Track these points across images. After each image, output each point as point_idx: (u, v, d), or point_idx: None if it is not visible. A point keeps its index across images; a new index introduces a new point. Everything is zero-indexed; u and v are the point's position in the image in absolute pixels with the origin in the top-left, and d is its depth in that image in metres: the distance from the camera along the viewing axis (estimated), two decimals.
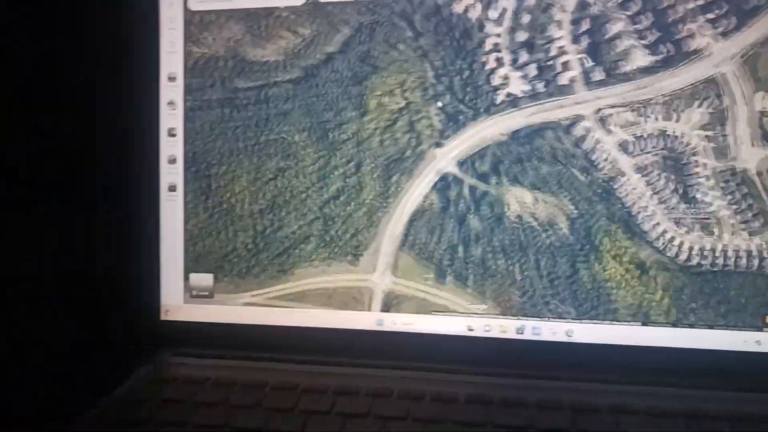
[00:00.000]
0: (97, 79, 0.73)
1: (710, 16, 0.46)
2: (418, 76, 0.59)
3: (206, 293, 0.74)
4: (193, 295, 0.74)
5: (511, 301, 0.66)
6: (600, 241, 0.63)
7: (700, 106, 0.50)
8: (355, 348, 0.71)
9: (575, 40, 0.51)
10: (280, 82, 0.69)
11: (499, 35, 0.53)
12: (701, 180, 0.55)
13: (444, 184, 0.59)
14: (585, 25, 0.52)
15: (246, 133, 0.71)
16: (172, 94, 0.73)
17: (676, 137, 0.52)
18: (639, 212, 0.60)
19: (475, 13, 0.55)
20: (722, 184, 0.53)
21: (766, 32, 0.48)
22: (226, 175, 0.73)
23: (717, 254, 0.60)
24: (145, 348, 0.74)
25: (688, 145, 0.51)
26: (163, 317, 0.75)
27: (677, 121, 0.52)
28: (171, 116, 0.73)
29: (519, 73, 0.52)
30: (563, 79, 0.55)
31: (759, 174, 0.56)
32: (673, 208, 0.59)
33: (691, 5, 0.48)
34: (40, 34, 0.71)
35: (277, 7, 0.69)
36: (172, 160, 0.74)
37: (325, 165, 0.68)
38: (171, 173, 0.74)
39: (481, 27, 0.56)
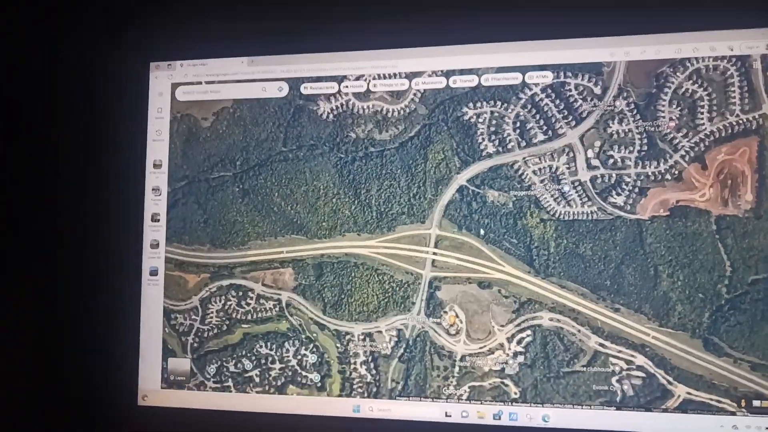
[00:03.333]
0: (84, 162, 0.74)
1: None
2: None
3: (183, 378, 0.69)
4: (170, 380, 0.69)
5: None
6: None
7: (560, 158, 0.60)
8: None
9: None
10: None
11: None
12: None
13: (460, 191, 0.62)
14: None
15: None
16: (156, 180, 0.71)
17: None
18: None
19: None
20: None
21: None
22: None
23: None
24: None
25: None
26: (140, 403, 0.71)
27: None
28: (155, 202, 0.70)
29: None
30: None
31: None
32: None
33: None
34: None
35: (262, 99, 0.69)
36: (155, 245, 0.70)
37: None
38: (152, 257, 0.70)
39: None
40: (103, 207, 0.74)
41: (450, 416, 0.63)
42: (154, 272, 0.71)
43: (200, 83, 0.72)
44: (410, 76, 0.65)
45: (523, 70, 0.63)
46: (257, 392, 0.66)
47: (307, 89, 0.68)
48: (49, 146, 0.74)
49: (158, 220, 0.71)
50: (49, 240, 0.74)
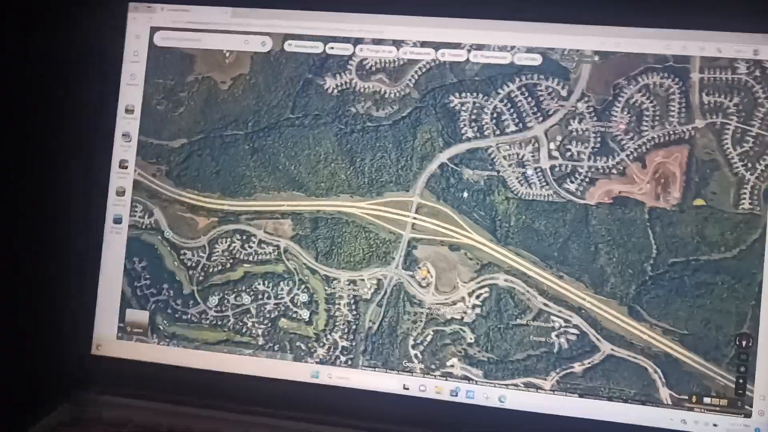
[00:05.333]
0: (53, 103, 0.78)
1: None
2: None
3: (140, 330, 0.77)
4: (127, 331, 0.77)
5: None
6: None
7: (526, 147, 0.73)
8: (288, 400, 0.75)
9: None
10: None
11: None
12: None
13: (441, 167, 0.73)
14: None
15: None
16: (127, 126, 0.78)
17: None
18: None
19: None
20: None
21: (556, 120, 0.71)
22: None
23: None
24: (71, 384, 0.76)
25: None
26: (93, 352, 0.77)
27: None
28: (124, 149, 0.78)
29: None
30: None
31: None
32: None
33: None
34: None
35: (245, 52, 0.77)
36: (121, 193, 0.78)
37: None
38: (117, 205, 0.78)
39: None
40: (70, 150, 0.77)
41: (408, 389, 0.73)
42: (117, 220, 0.78)
43: (180, 30, 0.78)
44: (398, 43, 0.74)
45: (513, 51, 0.73)
46: (252, 322, 0.77)
47: (291, 46, 0.76)
48: (17, 84, 0.76)
49: (126, 167, 0.78)
50: (12, 179, 0.76)
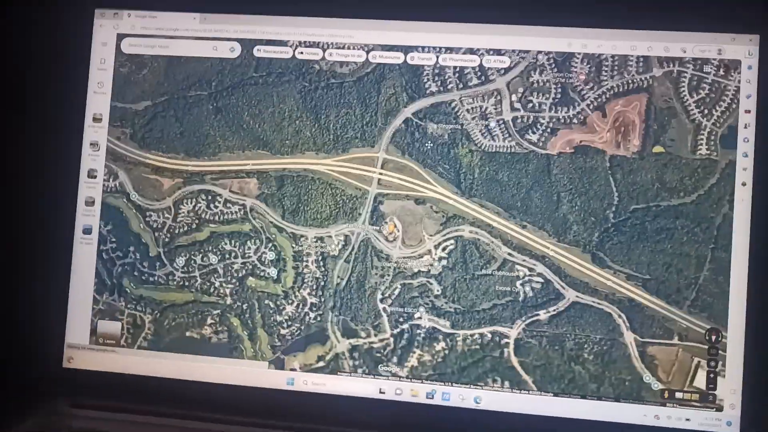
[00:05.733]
0: (18, 111, 0.78)
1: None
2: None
3: (112, 341, 0.77)
4: (99, 342, 0.77)
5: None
6: None
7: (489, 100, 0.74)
8: (264, 407, 0.75)
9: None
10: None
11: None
12: None
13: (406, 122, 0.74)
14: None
15: None
16: (95, 135, 0.78)
17: None
18: None
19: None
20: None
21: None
22: None
23: None
24: (44, 396, 0.75)
25: None
26: (65, 364, 0.77)
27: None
28: (92, 158, 0.78)
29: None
30: None
31: None
32: None
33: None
34: None
35: (210, 58, 0.78)
36: (90, 202, 0.78)
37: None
38: (87, 215, 0.78)
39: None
40: (39, 161, 0.77)
41: (384, 393, 0.74)
42: (87, 230, 0.78)
43: (148, 36, 0.78)
44: (367, 48, 0.76)
45: (481, 53, 0.74)
46: (220, 282, 0.77)
47: (260, 52, 0.77)
48: None
49: (95, 177, 0.78)
50: None
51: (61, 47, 0.77)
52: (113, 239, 0.77)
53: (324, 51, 0.76)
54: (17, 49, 0.77)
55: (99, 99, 0.78)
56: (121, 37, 0.78)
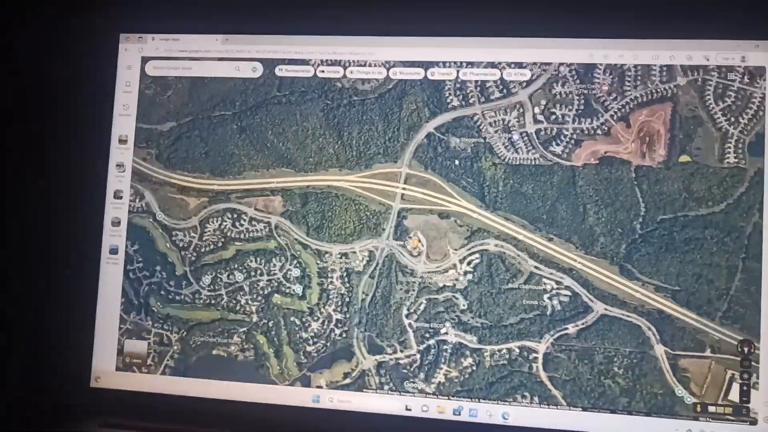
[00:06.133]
0: (47, 135, 0.79)
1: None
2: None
3: (139, 361, 0.77)
4: (126, 362, 0.77)
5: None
6: None
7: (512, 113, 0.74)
8: (290, 425, 0.75)
9: None
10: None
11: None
12: None
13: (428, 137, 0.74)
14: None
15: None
16: (121, 156, 0.79)
17: None
18: None
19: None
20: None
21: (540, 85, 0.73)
22: None
23: None
24: (71, 416, 0.76)
25: None
26: (92, 384, 0.78)
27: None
28: (118, 179, 0.79)
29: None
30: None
31: None
32: None
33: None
34: None
35: (233, 78, 0.79)
36: (116, 223, 0.79)
37: None
38: (113, 235, 0.79)
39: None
40: (66, 182, 0.78)
41: (410, 410, 0.74)
42: (114, 250, 0.79)
43: (172, 59, 0.80)
44: (387, 64, 0.77)
45: (502, 67, 0.75)
46: (246, 300, 0.78)
47: (281, 71, 0.78)
48: (12, 119, 0.78)
49: (121, 197, 0.80)
50: (9, 215, 0.78)
51: (87, 71, 0.79)
52: (140, 259, 0.78)
53: (345, 69, 0.77)
54: (44, 73, 0.79)
55: (124, 121, 0.80)
56: (145, 60, 0.80)
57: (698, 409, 0.69)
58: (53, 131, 0.79)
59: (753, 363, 0.68)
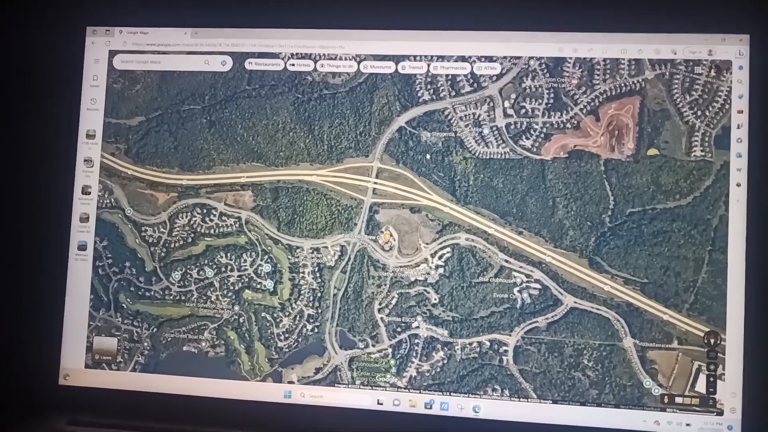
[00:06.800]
0: (13, 129, 0.79)
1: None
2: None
3: (109, 358, 0.77)
4: (95, 359, 0.77)
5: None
6: None
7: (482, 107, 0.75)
8: (261, 421, 0.76)
9: None
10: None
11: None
12: None
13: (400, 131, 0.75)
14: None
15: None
16: (89, 151, 0.79)
17: None
18: None
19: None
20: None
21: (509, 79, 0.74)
22: None
23: None
24: (40, 414, 0.76)
25: None
26: (61, 382, 0.78)
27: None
28: (86, 174, 0.79)
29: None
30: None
31: None
32: None
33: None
34: None
35: (202, 72, 0.79)
36: (84, 218, 0.78)
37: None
38: (82, 231, 0.78)
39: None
40: (32, 178, 0.78)
41: (382, 404, 0.74)
42: (82, 247, 0.79)
43: (140, 52, 0.79)
44: (358, 58, 0.77)
45: (473, 60, 0.76)
46: (216, 296, 0.78)
47: (251, 65, 0.78)
48: None
49: (89, 193, 0.79)
50: None
51: (54, 65, 0.79)
52: (109, 255, 0.78)
53: (315, 62, 0.77)
54: (10, 67, 0.79)
55: (92, 115, 0.80)
56: (113, 53, 0.80)
57: (666, 400, 0.70)
58: (19, 126, 0.79)
59: (719, 354, 0.69)
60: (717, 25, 0.72)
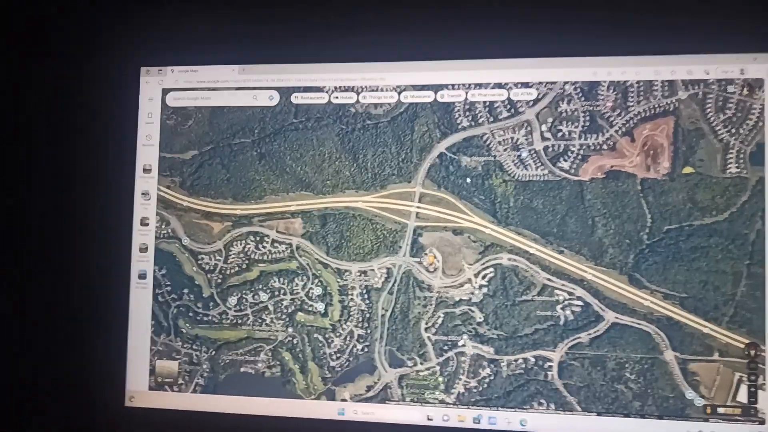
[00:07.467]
0: (75, 166, 0.85)
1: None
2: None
3: (171, 380, 0.83)
4: (158, 382, 0.83)
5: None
6: None
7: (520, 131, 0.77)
8: None
9: None
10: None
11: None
12: None
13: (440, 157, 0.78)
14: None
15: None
16: (146, 185, 0.85)
17: None
18: None
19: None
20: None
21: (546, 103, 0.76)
22: None
23: None
24: None
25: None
26: (127, 404, 0.83)
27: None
28: (144, 206, 0.84)
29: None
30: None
31: None
32: None
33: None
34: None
35: (250, 106, 0.83)
36: (144, 249, 0.84)
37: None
38: (141, 261, 0.84)
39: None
40: (94, 211, 0.83)
41: (432, 420, 0.79)
42: (142, 275, 0.84)
43: (191, 89, 0.84)
44: (398, 88, 0.81)
45: (509, 87, 0.79)
46: (270, 318, 0.83)
47: (297, 99, 0.83)
48: (39, 151, 0.84)
49: (147, 224, 0.84)
50: (40, 244, 0.84)
51: (111, 103, 0.84)
52: (168, 282, 0.83)
53: (358, 94, 0.81)
54: (71, 106, 0.85)
55: (148, 151, 0.85)
56: (165, 91, 0.85)
57: (708, 410, 0.73)
58: (81, 163, 0.85)
59: (759, 365, 0.72)
60: (748, 44, 0.74)
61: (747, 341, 0.72)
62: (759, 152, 0.73)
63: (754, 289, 0.72)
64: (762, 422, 0.71)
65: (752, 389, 0.71)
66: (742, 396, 0.72)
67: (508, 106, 0.78)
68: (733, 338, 0.72)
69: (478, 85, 0.78)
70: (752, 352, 0.72)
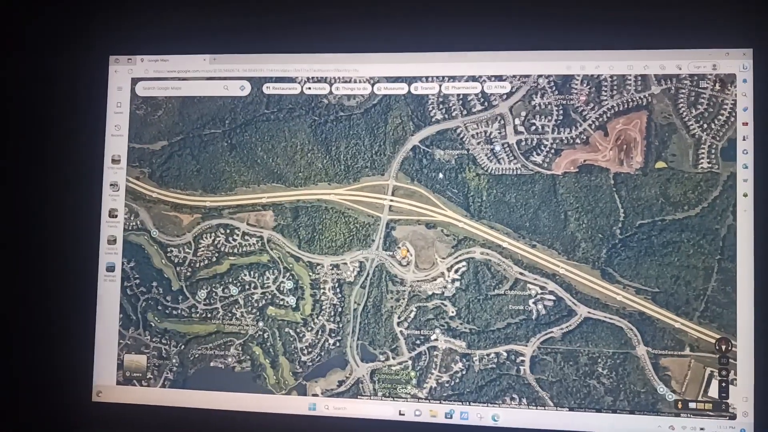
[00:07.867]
0: (41, 156, 0.83)
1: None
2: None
3: (139, 374, 0.82)
4: (126, 376, 0.82)
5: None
6: None
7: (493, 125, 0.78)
8: None
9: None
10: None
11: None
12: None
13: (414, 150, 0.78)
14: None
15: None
16: (114, 176, 0.83)
17: None
18: None
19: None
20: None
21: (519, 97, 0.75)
22: None
23: None
24: (74, 430, 0.81)
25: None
26: (94, 399, 0.82)
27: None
28: (113, 198, 0.83)
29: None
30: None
31: None
32: None
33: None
34: None
35: (222, 96, 0.83)
36: (112, 241, 0.83)
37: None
38: (110, 253, 0.83)
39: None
40: (61, 202, 0.82)
41: (403, 414, 0.78)
42: (110, 268, 0.83)
43: (161, 79, 0.83)
44: (372, 80, 0.80)
45: (483, 80, 0.79)
46: (241, 312, 0.82)
47: (269, 89, 0.82)
48: (5, 141, 0.82)
49: (116, 216, 0.83)
50: (5, 235, 0.82)
51: (79, 93, 0.83)
52: (136, 275, 0.82)
53: (331, 85, 0.80)
54: (37, 95, 0.83)
55: (117, 141, 0.84)
56: (135, 81, 0.84)
57: (679, 405, 0.73)
58: (47, 153, 0.83)
59: (731, 360, 0.72)
60: (721, 40, 0.74)
61: (718, 336, 0.72)
62: (730, 147, 0.73)
63: (725, 284, 0.73)
64: (733, 417, 0.71)
65: (723, 384, 0.72)
66: (713, 391, 0.72)
67: (482, 99, 0.77)
68: (704, 333, 0.73)
69: (452, 78, 0.78)
70: (723, 347, 0.72)
